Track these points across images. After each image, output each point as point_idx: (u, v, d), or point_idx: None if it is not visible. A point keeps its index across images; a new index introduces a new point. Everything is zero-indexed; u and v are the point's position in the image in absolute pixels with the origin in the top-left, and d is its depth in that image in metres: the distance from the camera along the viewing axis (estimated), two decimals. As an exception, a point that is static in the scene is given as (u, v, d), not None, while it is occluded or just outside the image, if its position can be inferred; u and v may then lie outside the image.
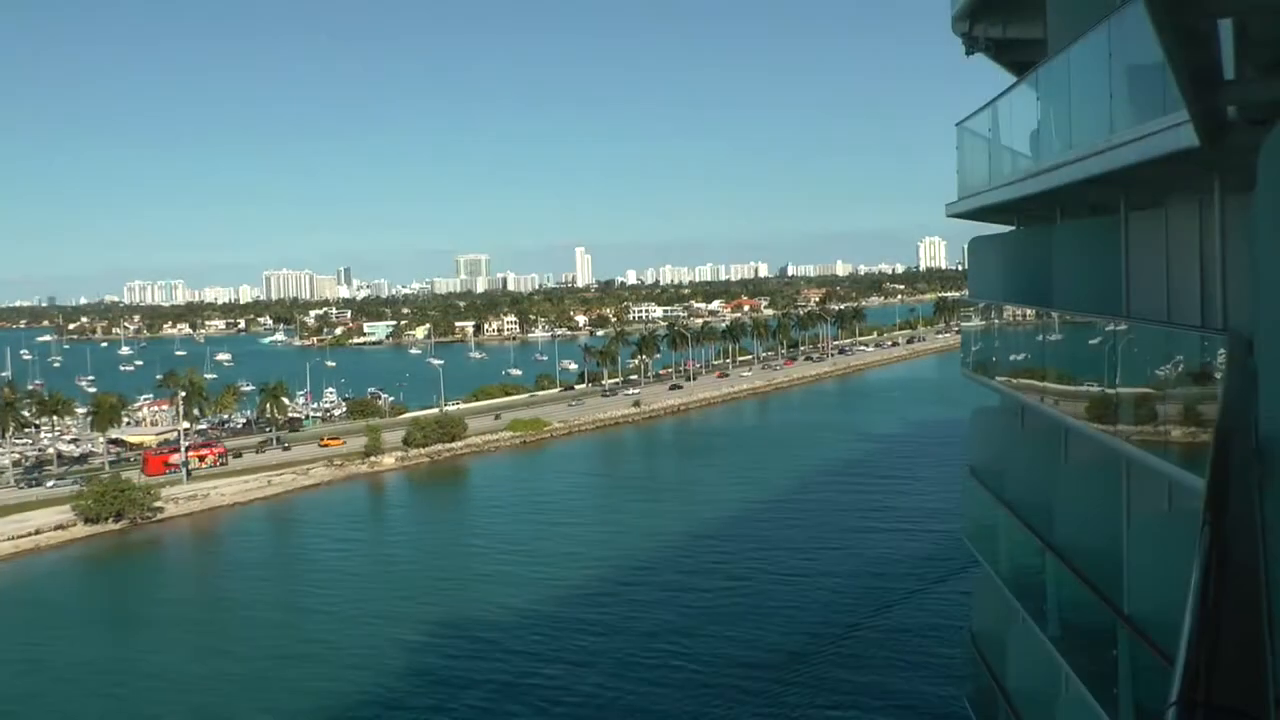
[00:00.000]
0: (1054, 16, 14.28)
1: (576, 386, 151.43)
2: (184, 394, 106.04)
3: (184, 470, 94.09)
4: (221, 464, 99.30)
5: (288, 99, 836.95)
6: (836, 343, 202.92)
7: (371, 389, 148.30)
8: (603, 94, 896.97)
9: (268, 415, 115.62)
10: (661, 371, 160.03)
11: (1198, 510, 2.56)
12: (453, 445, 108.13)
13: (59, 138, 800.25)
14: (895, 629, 51.44)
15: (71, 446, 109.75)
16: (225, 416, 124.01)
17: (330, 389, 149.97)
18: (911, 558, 62.54)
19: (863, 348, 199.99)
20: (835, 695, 44.80)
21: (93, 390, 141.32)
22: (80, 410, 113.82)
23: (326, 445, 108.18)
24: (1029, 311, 14.78)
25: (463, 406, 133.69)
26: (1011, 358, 15.38)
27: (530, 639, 52.17)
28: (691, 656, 49.29)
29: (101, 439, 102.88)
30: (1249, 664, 1.52)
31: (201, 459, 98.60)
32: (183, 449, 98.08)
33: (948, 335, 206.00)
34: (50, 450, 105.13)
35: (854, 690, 45.06)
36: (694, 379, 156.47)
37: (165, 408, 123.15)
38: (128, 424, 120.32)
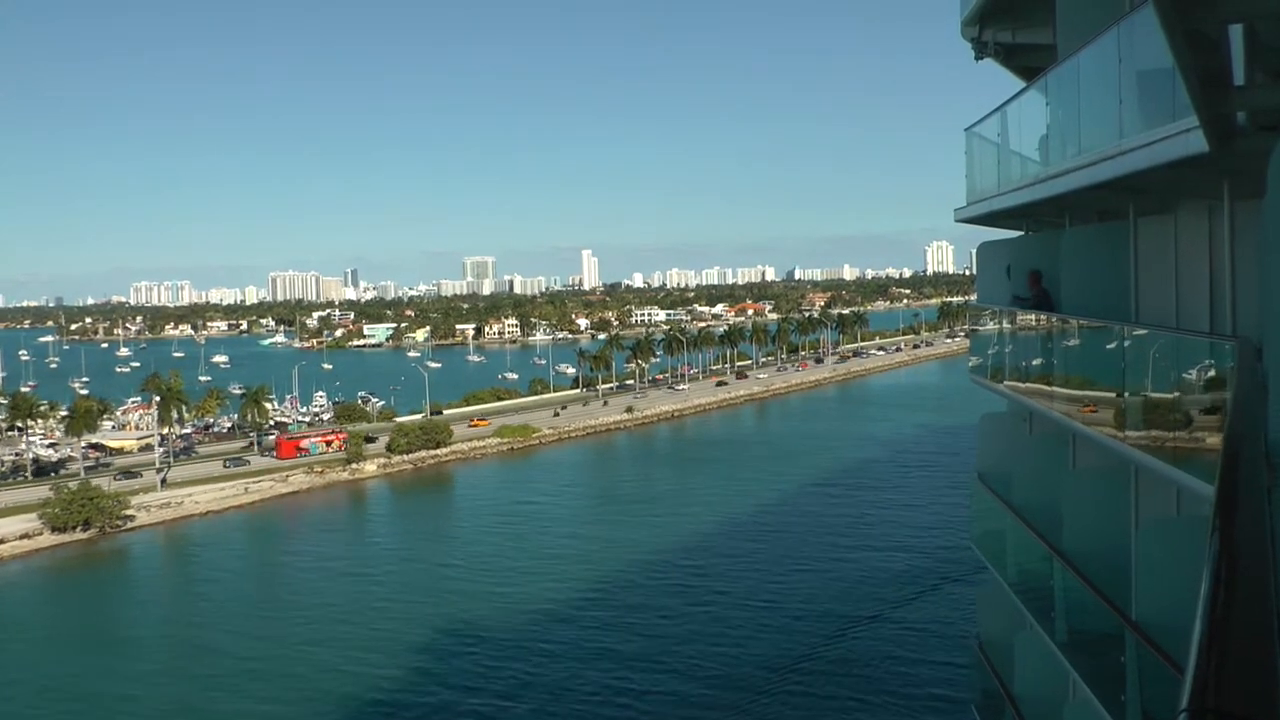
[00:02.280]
0: (1063, 21, 14.24)
1: (639, 381, 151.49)
2: (159, 398, 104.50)
3: (158, 477, 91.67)
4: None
5: (296, 102, 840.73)
6: (848, 346, 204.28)
7: (362, 393, 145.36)
8: (611, 99, 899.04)
9: (250, 420, 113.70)
10: (658, 376, 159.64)
11: (1206, 516, 2.56)
12: (438, 452, 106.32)
13: (67, 139, 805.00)
14: (871, 655, 49.83)
15: (50, 451, 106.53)
16: (210, 420, 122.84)
17: (320, 393, 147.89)
18: (896, 575, 61.15)
19: (875, 352, 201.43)
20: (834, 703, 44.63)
21: (85, 392, 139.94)
22: (63, 413, 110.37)
23: (475, 426, 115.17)
24: (1039, 317, 14.73)
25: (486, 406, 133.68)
26: (1019, 363, 15.35)
27: (497, 662, 50.10)
28: (669, 674, 47.82)
29: (80, 443, 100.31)
30: (1259, 671, 1.52)
31: (329, 444, 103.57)
32: (156, 451, 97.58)
33: (952, 341, 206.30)
34: (28, 455, 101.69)
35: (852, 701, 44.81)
36: (730, 379, 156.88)
37: (150, 411, 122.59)
38: (112, 427, 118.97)
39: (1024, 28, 17.88)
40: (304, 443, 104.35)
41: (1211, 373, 8.36)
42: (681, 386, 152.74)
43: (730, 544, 69.98)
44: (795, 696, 45.03)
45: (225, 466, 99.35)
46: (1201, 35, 6.58)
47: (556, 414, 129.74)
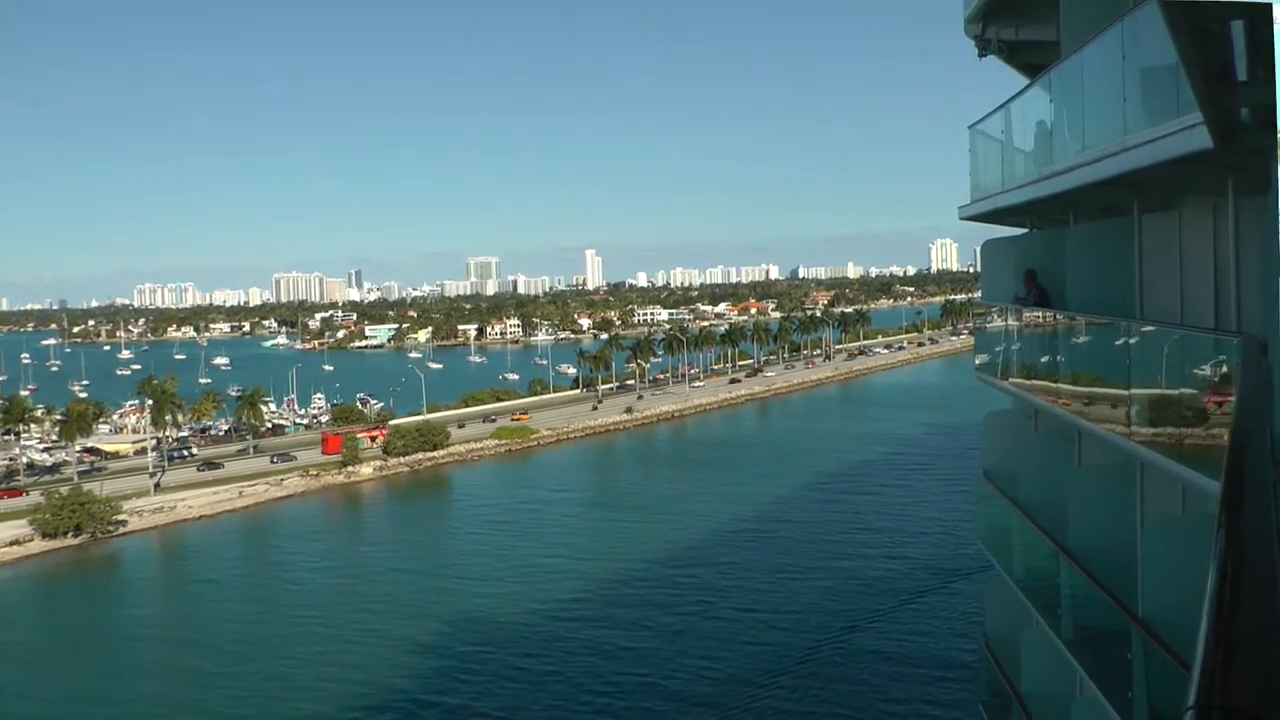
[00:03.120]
0: (1067, 18, 14.22)
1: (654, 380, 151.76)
2: (152, 402, 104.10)
3: (151, 481, 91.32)
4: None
5: (297, 103, 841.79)
6: (853, 344, 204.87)
7: (361, 394, 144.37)
8: (611, 99, 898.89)
9: (246, 422, 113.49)
10: (659, 376, 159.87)
11: (1212, 512, 2.56)
12: (434, 454, 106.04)
13: (69, 142, 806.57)
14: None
15: (44, 455, 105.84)
16: (207, 423, 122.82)
17: (319, 395, 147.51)
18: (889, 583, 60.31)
19: (880, 350, 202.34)
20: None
21: (85, 395, 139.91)
22: (58, 416, 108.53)
23: (517, 420, 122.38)
24: (1043, 314, 14.71)
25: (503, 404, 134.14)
26: (1025, 360, 15.33)
27: (468, 674, 49.47)
28: (649, 689, 46.94)
29: (74, 447, 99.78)
30: (1266, 667, 1.52)
31: (373, 439, 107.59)
32: (149, 455, 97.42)
33: (956, 339, 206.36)
34: (21, 460, 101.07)
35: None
36: (745, 376, 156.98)
37: (146, 414, 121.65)
38: (109, 430, 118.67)
39: (1027, 24, 17.84)
40: None
41: (1225, 369, 8.36)
42: (698, 384, 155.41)
43: (730, 549, 69.42)
44: (779, 712, 44.14)
45: (272, 462, 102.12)
46: (1205, 30, 6.58)
47: (595, 407, 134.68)
